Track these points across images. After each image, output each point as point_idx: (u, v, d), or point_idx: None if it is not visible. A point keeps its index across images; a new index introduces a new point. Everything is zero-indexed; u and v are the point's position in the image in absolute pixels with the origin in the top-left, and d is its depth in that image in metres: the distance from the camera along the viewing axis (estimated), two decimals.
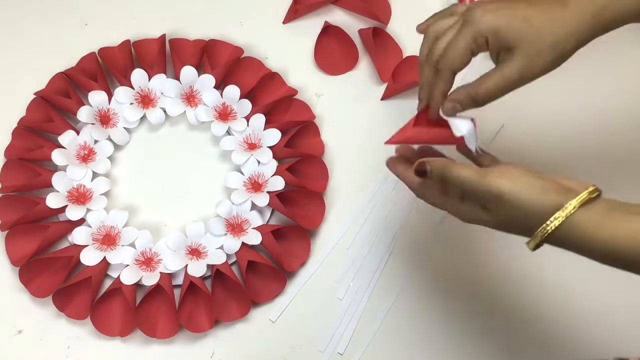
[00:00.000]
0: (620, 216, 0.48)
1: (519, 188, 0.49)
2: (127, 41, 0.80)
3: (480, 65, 0.61)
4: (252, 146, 0.76)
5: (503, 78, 0.55)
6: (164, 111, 0.78)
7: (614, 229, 0.47)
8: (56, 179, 0.73)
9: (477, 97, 0.56)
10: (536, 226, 0.49)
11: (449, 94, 0.57)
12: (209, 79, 0.78)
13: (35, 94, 0.77)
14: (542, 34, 0.52)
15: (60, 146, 0.75)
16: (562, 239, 0.49)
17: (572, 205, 0.48)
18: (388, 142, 0.58)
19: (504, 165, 0.53)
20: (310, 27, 0.84)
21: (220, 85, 0.79)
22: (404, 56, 0.83)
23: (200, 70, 0.79)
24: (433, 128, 0.57)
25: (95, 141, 0.76)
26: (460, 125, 0.56)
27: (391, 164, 0.60)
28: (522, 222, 0.50)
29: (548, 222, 0.49)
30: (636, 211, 0.48)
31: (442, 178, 0.54)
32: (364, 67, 0.83)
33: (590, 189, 0.49)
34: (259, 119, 0.77)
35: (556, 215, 0.48)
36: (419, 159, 0.56)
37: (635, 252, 0.47)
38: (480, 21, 0.53)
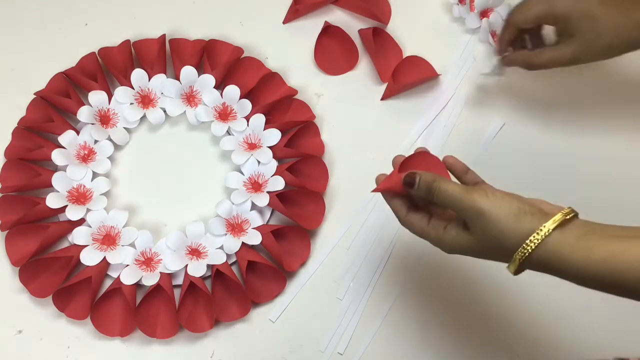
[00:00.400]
0: (595, 239, 0.48)
1: (497, 209, 0.50)
2: (127, 41, 0.80)
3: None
4: (252, 146, 0.76)
5: (557, 56, 0.67)
6: (164, 111, 0.78)
7: (589, 252, 0.48)
8: (56, 179, 0.73)
9: (531, 63, 0.70)
10: (512, 249, 0.50)
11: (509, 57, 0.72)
12: (209, 79, 0.78)
13: (35, 94, 0.77)
14: (606, 23, 0.63)
15: (60, 146, 0.75)
16: (539, 262, 0.50)
17: (546, 227, 0.49)
18: (375, 190, 0.59)
19: (487, 187, 0.55)
20: (310, 27, 0.84)
21: (220, 85, 0.79)
22: (404, 56, 0.83)
23: (200, 70, 0.79)
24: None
25: (95, 141, 0.76)
26: None
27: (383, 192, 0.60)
28: (499, 244, 0.51)
29: (524, 245, 0.49)
30: (611, 233, 0.48)
31: (429, 190, 0.54)
32: (364, 67, 0.83)
33: (565, 210, 0.50)
34: (259, 119, 0.77)
35: (531, 238, 0.49)
36: (409, 171, 0.56)
37: (610, 275, 0.47)
38: (557, 3, 0.65)
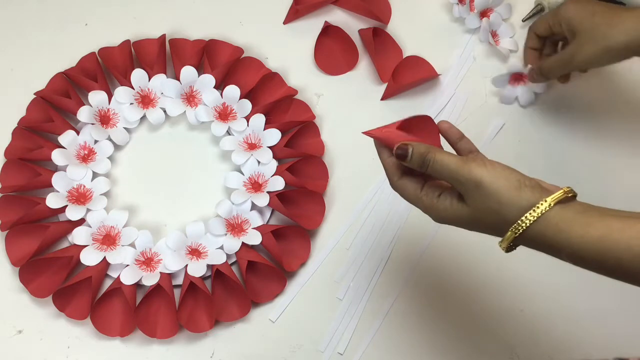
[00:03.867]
0: (594, 215, 0.48)
1: (498, 180, 0.50)
2: (127, 41, 0.80)
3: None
4: (252, 146, 0.76)
5: (559, 58, 0.71)
6: (164, 111, 0.78)
7: (587, 227, 0.47)
8: (56, 179, 0.73)
9: (542, 70, 0.74)
10: (511, 221, 0.49)
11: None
12: (209, 79, 0.78)
13: (35, 94, 0.77)
14: (599, 26, 0.66)
15: (60, 146, 0.75)
16: (535, 236, 0.49)
17: (547, 202, 0.48)
18: (367, 132, 0.57)
19: (483, 157, 0.54)
20: (310, 27, 0.84)
21: (220, 85, 0.79)
22: (404, 56, 0.83)
23: (200, 70, 0.79)
24: (414, 136, 0.56)
25: (95, 141, 0.76)
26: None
27: (378, 144, 0.58)
28: (495, 216, 0.50)
29: (523, 219, 0.48)
30: (610, 213, 0.48)
31: (422, 162, 0.53)
32: (364, 67, 0.83)
33: (566, 189, 0.49)
34: (259, 119, 0.77)
35: (531, 211, 0.48)
36: (401, 142, 0.55)
37: (606, 253, 0.46)
38: (561, 9, 0.70)
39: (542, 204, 0.48)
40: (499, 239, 0.51)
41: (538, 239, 0.49)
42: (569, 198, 0.49)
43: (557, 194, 0.49)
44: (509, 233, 0.49)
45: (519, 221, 0.49)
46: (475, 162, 0.51)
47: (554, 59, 0.72)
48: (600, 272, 0.48)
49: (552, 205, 0.48)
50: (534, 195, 0.49)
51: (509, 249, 0.51)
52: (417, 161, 0.53)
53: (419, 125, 0.56)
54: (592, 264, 0.48)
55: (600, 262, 0.47)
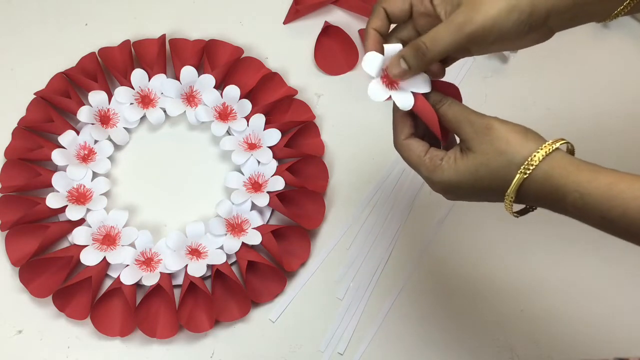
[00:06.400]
0: (599, 167, 0.47)
1: (507, 125, 0.50)
2: (127, 41, 0.80)
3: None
4: (252, 146, 0.76)
5: (448, 27, 0.50)
6: (164, 111, 0.78)
7: (596, 174, 0.46)
8: (56, 179, 0.73)
9: (419, 49, 0.51)
10: (517, 162, 0.48)
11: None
12: (209, 79, 0.78)
13: (35, 94, 0.77)
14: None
15: (60, 146, 0.75)
16: (541, 180, 0.48)
17: (552, 144, 0.48)
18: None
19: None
20: (310, 27, 0.84)
21: (220, 85, 0.79)
22: None
23: (200, 70, 0.79)
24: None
25: (95, 141, 0.76)
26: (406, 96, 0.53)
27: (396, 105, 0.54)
28: (503, 157, 0.49)
29: (532, 157, 0.48)
30: (609, 169, 0.47)
31: (437, 103, 0.52)
32: None
33: (565, 139, 0.49)
34: (259, 119, 0.77)
35: (539, 149, 0.48)
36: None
37: (612, 200, 0.45)
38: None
39: (546, 146, 0.48)
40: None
41: (545, 183, 0.48)
42: (570, 149, 0.50)
43: (560, 140, 0.49)
44: (518, 176, 0.48)
45: (527, 160, 0.48)
46: (482, 114, 0.51)
47: (441, 29, 0.50)
48: (603, 223, 0.47)
49: (557, 146, 0.48)
50: (540, 140, 0.49)
51: (517, 203, 0.50)
52: (433, 99, 0.53)
53: (444, 88, 0.55)
54: (596, 212, 0.46)
55: (605, 211, 0.46)
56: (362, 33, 0.84)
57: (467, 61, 0.83)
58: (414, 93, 0.53)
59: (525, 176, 0.48)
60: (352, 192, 0.77)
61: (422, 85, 0.53)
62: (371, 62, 0.54)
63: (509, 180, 0.49)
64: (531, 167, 0.48)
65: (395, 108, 0.54)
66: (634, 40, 0.85)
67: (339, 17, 0.86)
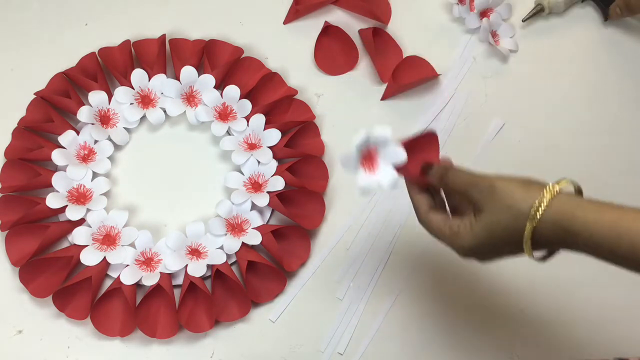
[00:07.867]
0: (602, 204, 0.49)
1: (508, 180, 0.52)
2: (127, 41, 0.80)
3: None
4: (252, 146, 0.76)
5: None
6: (164, 111, 0.78)
7: (600, 214, 0.48)
8: (56, 179, 0.73)
9: (628, 4, 0.72)
10: (525, 212, 0.50)
11: None
12: (209, 79, 0.78)
13: (35, 94, 0.77)
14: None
15: (60, 146, 0.75)
16: (551, 226, 0.49)
17: (554, 188, 0.50)
18: (400, 171, 0.60)
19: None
20: (310, 27, 0.84)
21: (220, 85, 0.79)
22: (404, 56, 0.83)
23: (200, 70, 0.79)
24: (415, 154, 0.59)
25: (95, 141, 0.76)
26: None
27: (408, 184, 0.61)
28: (512, 212, 0.51)
29: (536, 205, 0.49)
30: (616, 204, 0.49)
31: (442, 175, 0.56)
32: (364, 67, 0.83)
33: (568, 179, 0.51)
34: (259, 119, 0.77)
35: (542, 195, 0.49)
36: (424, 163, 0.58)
37: (619, 237, 0.47)
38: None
39: (550, 189, 0.50)
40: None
41: (556, 227, 0.49)
42: (577, 187, 0.51)
43: (561, 180, 0.51)
44: (528, 225, 0.50)
45: (533, 208, 0.50)
46: (483, 175, 0.54)
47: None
48: (615, 259, 0.48)
49: (559, 190, 0.50)
50: (541, 187, 0.50)
51: (539, 249, 0.52)
52: (438, 173, 0.57)
53: (420, 143, 0.60)
54: (606, 249, 0.48)
55: (614, 247, 0.47)
56: (362, 33, 0.84)
57: (467, 61, 0.84)
58: (396, 168, 0.59)
59: (535, 224, 0.50)
60: (352, 192, 0.76)
61: (396, 155, 0.59)
62: (348, 160, 0.59)
63: (521, 230, 0.51)
64: (538, 215, 0.50)
65: (409, 187, 0.60)
66: (635, 41, 0.85)
67: (339, 17, 0.86)
